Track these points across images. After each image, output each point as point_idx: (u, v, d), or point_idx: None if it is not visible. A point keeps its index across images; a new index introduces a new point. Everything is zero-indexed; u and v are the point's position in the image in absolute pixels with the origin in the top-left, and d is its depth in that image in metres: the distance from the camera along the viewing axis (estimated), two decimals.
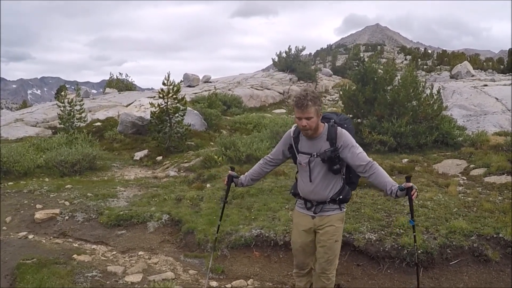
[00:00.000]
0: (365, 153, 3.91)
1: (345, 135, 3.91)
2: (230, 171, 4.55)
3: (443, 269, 5.46)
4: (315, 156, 3.92)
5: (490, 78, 24.41)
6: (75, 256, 5.92)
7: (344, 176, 4.08)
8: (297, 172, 4.26)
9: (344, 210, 4.20)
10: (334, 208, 4.09)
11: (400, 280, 5.44)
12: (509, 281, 5.22)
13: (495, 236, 5.63)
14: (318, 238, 4.13)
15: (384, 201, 7.05)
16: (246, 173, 4.51)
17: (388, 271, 5.58)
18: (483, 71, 38.61)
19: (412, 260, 5.47)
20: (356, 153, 3.86)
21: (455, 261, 5.48)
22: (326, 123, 3.95)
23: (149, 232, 7.25)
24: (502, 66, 40.97)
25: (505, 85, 18.26)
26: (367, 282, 5.50)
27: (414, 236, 4.14)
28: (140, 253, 6.53)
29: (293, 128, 4.12)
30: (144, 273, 5.53)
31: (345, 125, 4.04)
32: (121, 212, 7.65)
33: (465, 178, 8.19)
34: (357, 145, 3.93)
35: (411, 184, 3.70)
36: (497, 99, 15.18)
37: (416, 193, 3.74)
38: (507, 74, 31.77)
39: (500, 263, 5.41)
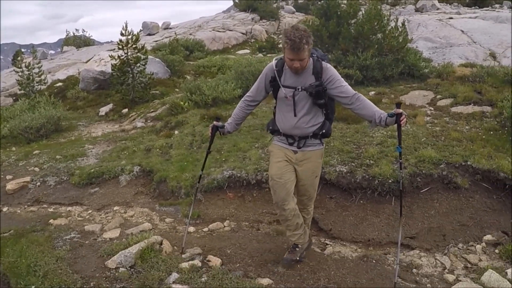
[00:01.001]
0: (349, 86, 3.90)
1: (330, 69, 3.89)
2: (215, 122, 4.42)
3: (414, 197, 5.59)
4: (300, 89, 3.87)
5: (456, 11, 24.35)
6: (51, 221, 5.85)
7: (324, 112, 4.05)
8: (275, 107, 4.17)
9: (324, 145, 4.20)
10: (316, 143, 4.10)
11: (373, 210, 5.56)
12: (479, 207, 5.39)
13: (463, 164, 5.74)
14: (299, 175, 4.12)
15: (353, 133, 7.10)
16: (229, 120, 4.42)
17: (361, 201, 5.69)
18: (448, 4, 38.49)
19: (384, 190, 5.57)
20: (342, 85, 3.86)
21: (426, 189, 5.61)
22: (310, 58, 3.87)
23: (122, 186, 7.18)
24: (467, 0, 40.94)
25: (470, 17, 18.27)
26: (341, 213, 5.61)
27: (400, 163, 4.14)
28: (115, 208, 6.50)
29: (274, 61, 4.02)
30: (122, 227, 5.51)
31: (325, 60, 3.97)
32: (92, 170, 7.52)
33: (432, 109, 8.25)
34: (342, 78, 3.91)
35: (400, 110, 3.69)
36: (462, 31, 15.19)
37: (405, 119, 3.75)
38: (473, 7, 31.84)
39: (469, 190, 5.55)
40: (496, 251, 4.73)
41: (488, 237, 4.96)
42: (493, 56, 12.63)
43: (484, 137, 6.55)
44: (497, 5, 34.86)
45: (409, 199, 5.54)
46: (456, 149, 6.11)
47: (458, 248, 4.90)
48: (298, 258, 4.38)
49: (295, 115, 3.94)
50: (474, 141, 6.41)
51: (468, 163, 5.71)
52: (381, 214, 5.50)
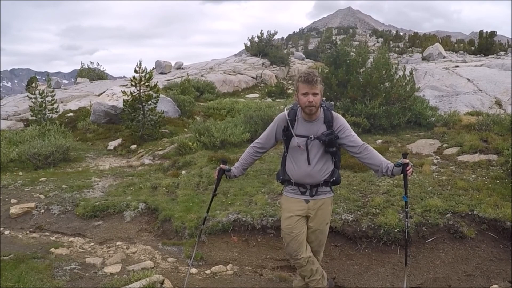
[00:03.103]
0: (357, 136, 4.03)
1: (340, 119, 4.04)
2: (222, 165, 4.46)
3: (420, 247, 5.54)
4: (312, 138, 3.96)
5: (462, 59, 24.70)
6: (52, 249, 5.82)
7: (334, 160, 4.12)
8: (285, 157, 4.23)
9: (333, 193, 4.28)
10: (327, 191, 4.16)
11: (378, 259, 5.51)
12: (485, 256, 5.33)
13: (469, 213, 5.73)
14: (310, 223, 4.17)
15: (360, 181, 7.12)
16: (236, 164, 4.46)
17: (366, 250, 5.65)
18: (454, 52, 39.10)
19: (389, 239, 5.55)
20: (352, 135, 3.99)
21: (431, 239, 5.57)
22: (321, 107, 3.99)
23: (126, 222, 7.17)
24: (473, 48, 41.52)
25: (476, 66, 18.50)
26: (345, 262, 5.57)
27: (406, 212, 4.20)
28: (118, 243, 6.46)
29: (286, 111, 4.11)
30: (123, 263, 5.47)
31: (333, 111, 4.10)
32: (97, 203, 7.54)
33: (438, 158, 8.27)
34: (351, 128, 4.05)
35: (407, 160, 3.81)
36: (468, 79, 15.37)
37: (411, 169, 3.86)
38: (478, 55, 32.28)
39: (476, 239, 5.51)
40: None
41: (494, 287, 4.89)
42: (498, 104, 12.74)
43: (490, 186, 6.54)
44: (502, 53, 35.37)
45: (415, 248, 5.50)
46: (462, 198, 6.10)
47: None
48: None
49: (309, 163, 4.00)
50: (480, 190, 6.40)
51: (475, 212, 5.70)
52: (386, 263, 5.45)
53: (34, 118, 15.88)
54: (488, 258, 5.33)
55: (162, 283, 4.59)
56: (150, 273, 4.67)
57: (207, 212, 5.02)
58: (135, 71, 13.43)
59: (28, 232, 6.85)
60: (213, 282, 5.15)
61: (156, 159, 11.11)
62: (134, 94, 13.39)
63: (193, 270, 5.46)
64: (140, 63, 13.46)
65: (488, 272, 5.15)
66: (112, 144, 13.59)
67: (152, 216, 7.24)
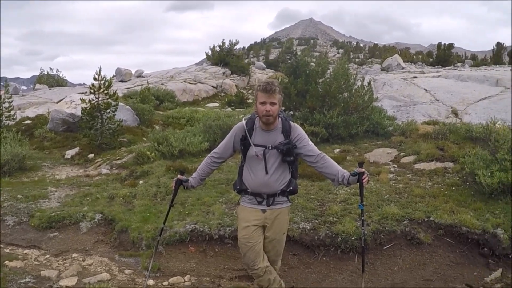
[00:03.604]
0: (315, 146, 4.07)
1: (298, 128, 4.07)
2: (179, 175, 4.43)
3: (378, 253, 5.62)
4: (270, 148, 3.96)
5: (420, 70, 25.24)
6: (6, 262, 5.60)
7: (291, 170, 4.13)
8: (242, 166, 4.22)
9: (290, 202, 4.28)
10: (283, 201, 4.16)
11: (336, 267, 5.55)
12: (442, 261, 5.48)
13: (426, 219, 5.87)
14: (267, 233, 4.16)
15: (317, 190, 7.17)
16: (193, 174, 4.43)
17: (324, 258, 5.68)
18: (413, 63, 40.09)
19: (347, 247, 5.59)
20: (309, 144, 4.02)
21: (389, 246, 5.66)
22: (279, 117, 4.01)
23: (82, 233, 6.97)
24: (431, 59, 42.69)
25: (433, 76, 18.95)
26: (304, 270, 5.57)
27: (363, 220, 4.29)
28: (74, 255, 6.26)
29: (244, 121, 4.10)
30: (79, 275, 5.33)
31: (290, 121, 4.11)
32: (53, 214, 7.31)
33: (395, 166, 8.42)
34: (308, 138, 4.07)
35: (363, 169, 3.87)
36: (426, 90, 15.72)
37: (367, 178, 3.92)
38: (436, 67, 33.16)
39: (432, 245, 5.64)
40: None
41: None
42: (455, 113, 13.06)
43: (446, 192, 6.71)
44: (459, 64, 36.53)
45: (372, 255, 5.57)
46: (419, 205, 6.24)
47: None
48: None
49: (266, 173, 3.99)
50: (436, 197, 6.57)
51: (431, 218, 5.84)
52: (344, 271, 5.49)
53: None
54: (445, 263, 5.46)
55: None
56: (106, 285, 4.57)
57: (164, 223, 4.96)
58: (95, 79, 13.20)
59: None
60: None
61: (114, 168, 10.91)
62: (92, 102, 13.14)
63: (150, 282, 5.34)
64: (100, 70, 13.23)
65: (445, 277, 5.28)
66: (70, 153, 13.28)
67: (108, 227, 7.08)
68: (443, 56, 38.07)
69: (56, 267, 5.75)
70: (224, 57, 31.46)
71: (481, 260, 5.47)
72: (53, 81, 33.08)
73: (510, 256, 5.33)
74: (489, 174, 6.28)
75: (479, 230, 5.53)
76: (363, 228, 4.27)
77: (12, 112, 16.03)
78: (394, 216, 5.91)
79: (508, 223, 5.57)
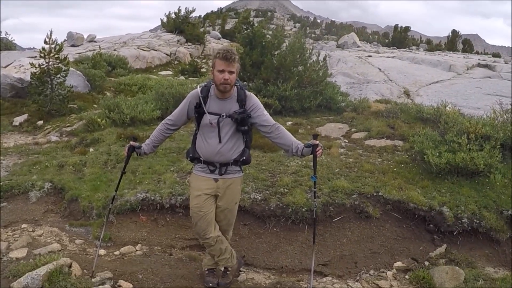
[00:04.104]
0: (269, 116, 4.06)
1: (254, 98, 4.05)
2: (131, 142, 4.38)
3: (327, 226, 5.76)
4: (225, 116, 3.94)
5: (375, 50, 25.70)
6: None
7: (245, 140, 4.14)
8: (196, 134, 4.20)
9: (243, 172, 4.30)
10: (236, 171, 4.18)
11: (286, 237, 5.66)
12: (389, 235, 5.68)
13: (375, 194, 6.04)
14: (219, 202, 4.18)
15: (268, 161, 7.24)
16: (146, 141, 4.38)
17: (274, 229, 5.78)
18: (368, 43, 40.70)
19: (297, 218, 5.69)
20: (264, 114, 4.02)
21: (338, 218, 5.81)
22: (235, 86, 3.98)
23: (32, 203, 6.78)
24: (387, 40, 43.51)
25: (388, 57, 19.38)
26: (254, 240, 5.66)
27: (314, 192, 4.32)
28: (23, 226, 6.10)
29: (198, 88, 4.06)
30: (29, 247, 5.21)
31: (245, 90, 4.09)
32: (1, 183, 7.06)
33: (346, 141, 8.58)
34: (263, 108, 4.06)
35: (317, 141, 3.90)
36: (380, 69, 16.06)
37: (321, 150, 3.95)
38: (391, 48, 33.82)
39: (380, 219, 5.83)
40: (407, 277, 4.96)
41: (398, 263, 5.20)
42: (407, 94, 13.42)
43: (395, 169, 6.90)
44: (414, 47, 37.36)
45: (322, 227, 5.70)
46: (368, 180, 6.40)
47: (370, 274, 5.08)
48: (231, 280, 4.51)
49: (220, 141, 3.98)
50: (385, 173, 6.75)
51: (380, 193, 6.01)
52: (294, 241, 5.60)
53: None
54: (392, 237, 5.66)
55: (70, 266, 4.41)
56: (57, 256, 4.47)
57: (116, 191, 4.91)
58: (45, 42, 12.71)
59: None
60: (122, 264, 5.03)
61: (64, 136, 10.62)
62: (42, 66, 12.67)
63: (102, 252, 5.30)
64: (51, 34, 12.76)
65: (392, 250, 5.49)
66: (18, 120, 12.82)
67: (58, 196, 6.92)
68: (399, 38, 38.93)
69: (5, 238, 5.58)
70: (180, 24, 30.81)
71: (427, 236, 5.71)
72: (1, 44, 31.60)
73: (455, 233, 5.59)
74: (437, 154, 6.50)
75: (425, 207, 5.75)
76: (315, 200, 4.33)
77: None
78: (344, 190, 6.05)
79: (453, 201, 5.82)
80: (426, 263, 5.20)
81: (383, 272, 5.12)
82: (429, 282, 4.72)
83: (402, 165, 7.09)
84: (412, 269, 5.07)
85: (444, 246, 5.51)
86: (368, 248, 5.49)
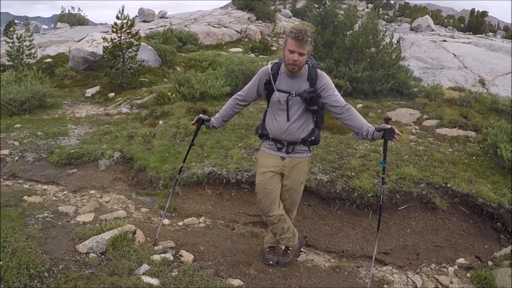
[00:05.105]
0: (341, 96, 3.92)
1: (325, 77, 3.92)
2: (201, 114, 4.42)
3: (392, 213, 5.60)
4: (294, 95, 3.87)
5: (450, 35, 24.61)
6: (25, 197, 5.69)
7: (315, 119, 4.05)
8: (266, 111, 4.16)
9: (311, 153, 4.21)
10: (304, 150, 4.10)
11: (350, 222, 5.57)
12: (454, 229, 5.44)
13: (443, 185, 5.78)
14: (285, 181, 4.14)
15: (337, 143, 7.13)
16: (216, 115, 4.40)
17: (338, 212, 5.70)
18: (443, 27, 39.00)
19: (362, 203, 5.58)
20: (335, 95, 3.88)
21: (404, 207, 5.63)
22: (306, 64, 3.87)
23: (101, 170, 7.08)
24: (462, 25, 41.51)
25: (463, 43, 18.47)
26: (318, 222, 5.61)
27: (383, 178, 4.15)
28: (91, 192, 6.39)
29: (269, 64, 4.01)
30: (96, 212, 5.40)
31: (318, 69, 3.98)
32: (72, 151, 7.41)
33: (417, 128, 8.31)
34: (334, 87, 3.93)
35: (389, 126, 3.71)
36: (454, 55, 15.37)
37: (398, 137, 3.74)
38: (467, 33, 32.32)
39: (447, 212, 5.59)
40: (468, 275, 4.76)
41: (461, 260, 4.99)
42: (482, 82, 12.80)
43: (466, 161, 6.61)
44: (490, 33, 35.51)
45: (387, 215, 5.55)
46: (438, 170, 6.15)
47: (431, 268, 4.92)
48: (290, 260, 4.51)
49: (287, 120, 3.93)
50: (456, 164, 6.47)
51: (448, 185, 5.76)
52: (357, 226, 5.51)
53: (11, 63, 15.36)
54: (457, 232, 5.42)
55: (134, 233, 4.54)
56: (122, 222, 4.60)
57: (183, 162, 4.98)
58: (117, 18, 13.04)
59: (1, 179, 6.69)
60: (185, 234, 5.14)
61: (134, 108, 10.93)
62: (114, 41, 13.03)
63: (166, 221, 5.45)
64: (123, 10, 13.07)
65: (456, 245, 5.26)
66: (90, 92, 13.31)
67: (127, 165, 7.16)
68: (475, 23, 37.02)
69: (73, 203, 5.86)
70: (250, 2, 30.87)
71: (493, 234, 5.43)
72: (74, 20, 32.79)
73: None
74: (511, 148, 6.16)
75: (495, 204, 5.45)
76: (382, 186, 4.14)
77: (33, 51, 15.96)
78: (412, 178, 5.85)
79: None
80: (490, 263, 4.93)
81: (445, 267, 4.94)
82: (490, 283, 4.48)
83: (474, 157, 6.76)
84: (475, 268, 4.84)
85: (510, 247, 5.18)
86: (431, 241, 5.31)
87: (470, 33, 32.87)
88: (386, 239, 5.32)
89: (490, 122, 7.65)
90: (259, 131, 4.20)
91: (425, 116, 8.85)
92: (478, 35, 29.19)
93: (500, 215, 5.40)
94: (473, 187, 5.70)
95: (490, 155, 6.74)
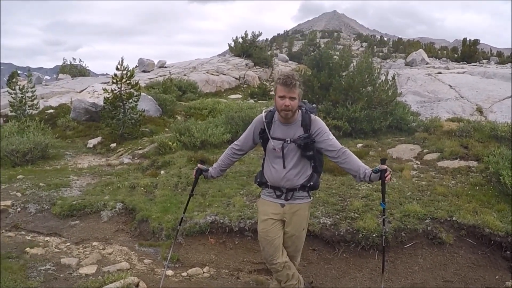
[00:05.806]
0: (336, 140, 3.93)
1: (319, 122, 3.93)
2: (199, 164, 4.43)
3: (398, 252, 5.53)
4: (289, 141, 3.89)
5: (444, 66, 24.89)
6: (28, 249, 5.68)
7: (312, 164, 4.05)
8: (264, 159, 4.17)
9: (311, 198, 4.19)
10: (303, 196, 4.07)
11: (356, 264, 5.49)
12: (463, 263, 5.36)
13: (448, 219, 5.74)
14: (286, 228, 4.10)
15: (339, 185, 7.10)
16: (214, 165, 4.41)
17: (344, 255, 5.62)
18: (437, 59, 39.47)
19: (368, 244, 5.52)
20: (330, 139, 3.89)
21: (410, 244, 5.57)
22: (299, 110, 3.91)
23: (103, 222, 7.06)
24: (456, 55, 42.03)
25: (458, 73, 18.66)
26: (323, 266, 5.53)
27: (384, 219, 4.15)
28: (94, 243, 6.34)
29: (263, 113, 4.04)
30: (99, 264, 5.37)
31: (313, 113, 4.01)
32: (74, 202, 7.41)
33: (418, 163, 8.30)
34: (329, 131, 3.94)
35: (385, 166, 3.71)
36: (450, 86, 15.49)
37: (390, 176, 3.75)
38: (461, 63, 32.65)
39: (454, 246, 5.52)
40: None
41: None
42: (480, 110, 12.84)
43: (470, 192, 6.57)
44: (484, 61, 35.88)
45: (393, 254, 5.49)
46: (442, 204, 6.12)
47: None
48: None
49: (284, 167, 3.93)
50: (459, 196, 6.44)
51: (453, 218, 5.72)
52: (364, 268, 5.43)
53: (13, 114, 15.61)
54: (467, 265, 5.34)
55: (137, 285, 4.50)
56: (125, 274, 4.57)
57: (184, 213, 4.98)
58: (117, 69, 13.30)
59: (3, 230, 6.68)
60: (189, 285, 5.07)
61: (136, 158, 10.99)
62: (115, 91, 13.25)
63: (169, 272, 5.38)
64: (122, 61, 13.34)
65: (466, 279, 5.17)
66: (92, 142, 13.42)
67: (129, 216, 7.15)
68: (468, 52, 37.44)
69: (76, 255, 5.81)
70: (247, 48, 31.40)
71: (503, 263, 5.34)
72: (76, 71, 33.37)
73: None
74: None
75: (502, 232, 5.39)
76: (384, 227, 4.14)
77: (35, 102, 16.19)
78: (416, 214, 5.81)
79: None
80: None
81: None
82: None
83: (477, 187, 6.73)
84: None
85: None
86: (440, 276, 5.21)
87: (464, 62, 33.21)
88: (394, 278, 5.24)
89: (491, 150, 7.66)
90: (258, 179, 4.19)
91: (425, 150, 8.85)
92: (472, 64, 29.50)
93: (509, 243, 5.35)
94: (478, 217, 5.66)
95: (493, 183, 6.72)
